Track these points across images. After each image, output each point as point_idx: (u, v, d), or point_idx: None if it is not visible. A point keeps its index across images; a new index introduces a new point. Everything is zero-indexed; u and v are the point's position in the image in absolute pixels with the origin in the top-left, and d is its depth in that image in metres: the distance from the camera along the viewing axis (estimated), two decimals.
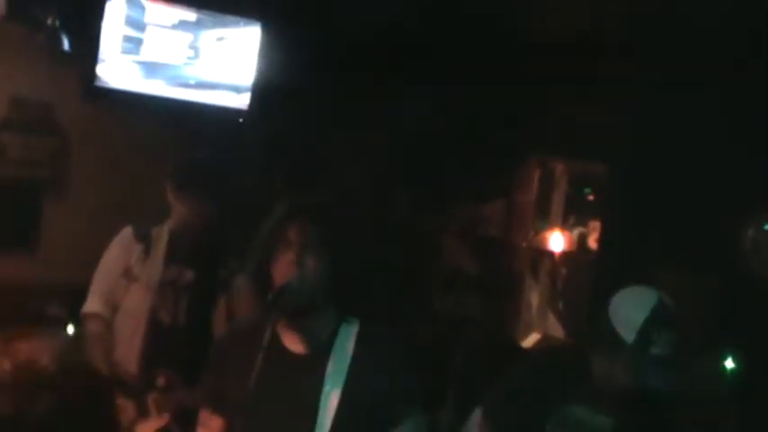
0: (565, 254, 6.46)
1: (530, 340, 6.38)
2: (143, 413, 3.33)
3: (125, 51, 4.62)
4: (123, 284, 3.47)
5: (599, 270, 5.38)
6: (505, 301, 6.36)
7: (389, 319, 2.42)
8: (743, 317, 4.05)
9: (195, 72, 4.87)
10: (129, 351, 3.44)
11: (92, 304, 3.49)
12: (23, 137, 4.93)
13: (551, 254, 6.49)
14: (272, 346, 2.26)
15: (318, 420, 2.25)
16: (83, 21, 4.52)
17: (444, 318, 5.75)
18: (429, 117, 5.43)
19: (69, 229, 4.86)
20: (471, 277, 6.01)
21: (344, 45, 4.99)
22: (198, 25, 4.82)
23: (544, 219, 6.55)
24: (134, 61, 4.66)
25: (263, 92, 5.03)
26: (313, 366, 2.30)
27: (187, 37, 4.80)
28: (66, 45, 4.48)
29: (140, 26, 4.64)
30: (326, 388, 2.27)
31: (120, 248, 3.51)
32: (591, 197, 6.53)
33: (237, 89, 4.99)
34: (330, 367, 2.29)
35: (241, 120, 5.02)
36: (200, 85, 4.89)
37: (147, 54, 4.69)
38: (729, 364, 3.99)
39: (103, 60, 4.55)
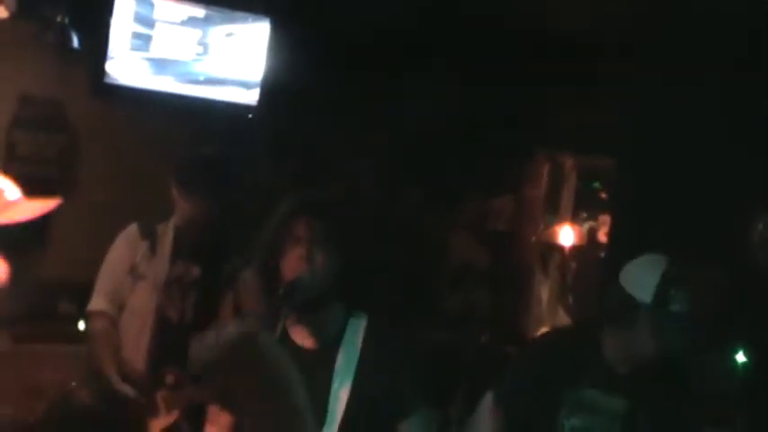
0: (574, 248, 6.44)
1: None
2: (152, 411, 3.34)
3: (134, 48, 4.63)
4: (129, 282, 3.46)
5: (609, 264, 5.37)
6: (515, 296, 6.36)
7: (398, 314, 2.43)
8: (753, 311, 4.04)
9: (204, 68, 4.88)
10: (136, 349, 3.44)
11: (97, 302, 3.49)
12: (33, 134, 4.95)
13: (561, 248, 6.47)
14: (281, 341, 2.27)
15: (328, 415, 2.26)
16: (92, 18, 4.53)
17: (454, 313, 5.76)
18: (437, 114, 5.43)
19: (78, 226, 4.88)
20: (481, 272, 6.01)
21: (353, 41, 4.99)
22: (207, 21, 4.83)
23: (553, 213, 6.53)
24: (143, 58, 4.67)
25: (272, 88, 5.03)
26: (322, 361, 2.30)
27: (196, 33, 4.81)
28: (75, 42, 4.50)
29: (149, 23, 4.65)
30: (336, 382, 2.28)
31: (125, 246, 3.51)
32: (603, 195, 6.51)
33: (246, 85, 5.00)
34: (339, 362, 2.30)
35: (250, 116, 5.03)
36: (209, 82, 4.90)
37: (155, 51, 4.70)
38: (740, 358, 3.98)
39: (112, 57, 4.57)
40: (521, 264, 6.47)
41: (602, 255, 6.02)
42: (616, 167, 5.44)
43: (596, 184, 6.69)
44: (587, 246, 6.44)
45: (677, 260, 2.56)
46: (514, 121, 5.57)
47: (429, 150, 5.72)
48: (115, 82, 4.60)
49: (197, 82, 4.87)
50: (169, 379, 3.35)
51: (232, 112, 5.00)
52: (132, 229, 3.53)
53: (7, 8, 4.25)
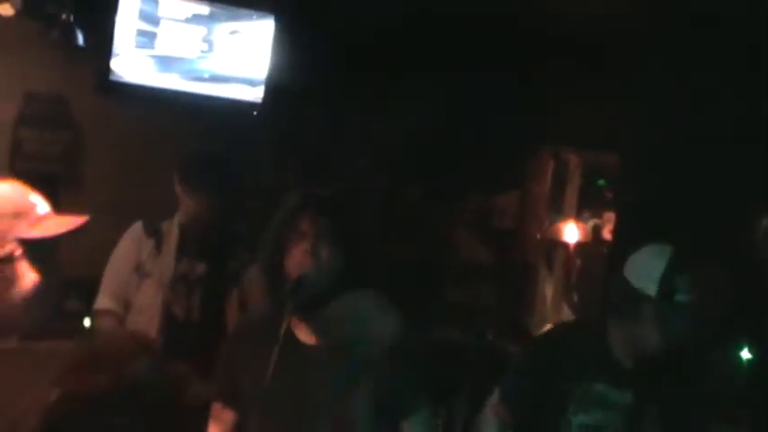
0: (579, 245, 6.43)
1: None
2: None
3: (139, 45, 4.63)
4: (135, 280, 3.47)
5: (613, 261, 5.36)
6: (519, 293, 6.35)
7: (402, 312, 2.43)
8: (757, 309, 4.04)
9: (209, 66, 4.88)
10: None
11: (103, 300, 3.50)
12: (38, 131, 4.96)
13: (565, 245, 6.47)
14: (285, 337, 2.27)
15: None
16: (97, 16, 4.53)
17: (458, 309, 5.76)
18: (441, 110, 5.43)
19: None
20: (485, 269, 6.01)
21: (357, 40, 4.99)
22: (211, 19, 4.83)
23: (558, 210, 6.53)
24: (148, 55, 4.68)
25: (276, 85, 5.03)
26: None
27: (201, 30, 4.81)
28: (80, 40, 4.50)
29: (154, 20, 4.65)
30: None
31: (130, 244, 3.52)
32: (609, 195, 6.49)
33: (251, 82, 4.99)
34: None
35: (255, 113, 5.03)
36: (214, 79, 4.89)
37: (160, 48, 4.70)
38: (745, 355, 3.97)
39: (117, 55, 4.57)
40: (525, 261, 6.47)
41: (607, 252, 6.01)
42: (621, 164, 5.44)
43: (601, 182, 6.68)
44: (592, 243, 6.44)
45: (682, 252, 2.53)
46: (519, 118, 5.56)
47: (433, 147, 5.72)
48: (120, 79, 4.60)
49: (202, 79, 4.87)
50: None
51: (237, 109, 5.00)
52: (137, 227, 3.54)
53: (13, 6, 4.26)
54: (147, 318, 3.46)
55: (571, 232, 6.41)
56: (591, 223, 6.65)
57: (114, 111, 4.99)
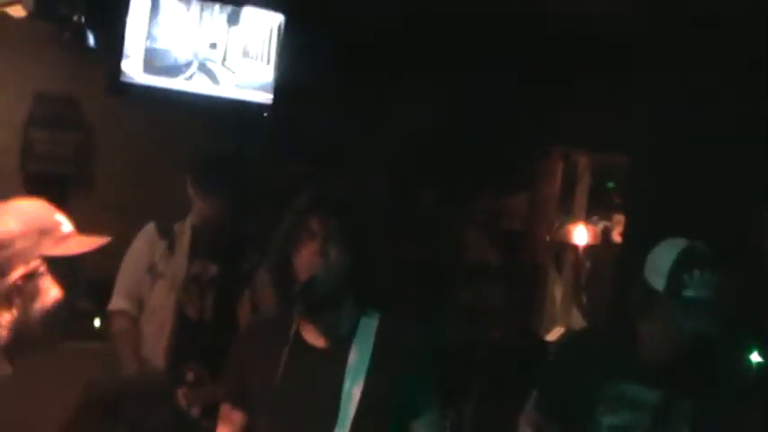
0: (589, 247, 6.43)
1: (553, 334, 6.36)
2: None
3: (149, 47, 4.64)
4: (148, 281, 3.49)
5: (623, 264, 5.35)
6: (528, 295, 6.34)
7: (410, 312, 2.43)
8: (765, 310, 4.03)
9: (220, 67, 4.89)
10: (156, 347, 3.47)
11: (117, 301, 3.53)
12: (49, 132, 4.98)
13: (575, 247, 6.46)
14: (294, 338, 2.27)
15: (340, 413, 2.27)
16: (108, 17, 4.55)
17: (466, 311, 5.75)
18: (452, 112, 5.43)
19: (95, 224, 4.89)
20: (494, 270, 6.00)
21: (368, 37, 4.99)
22: (222, 20, 4.84)
23: (567, 212, 6.52)
24: (159, 57, 4.69)
25: (286, 87, 5.04)
26: (334, 359, 2.31)
27: (211, 32, 4.82)
28: (91, 41, 4.51)
29: (165, 22, 4.66)
30: (348, 381, 2.29)
31: (143, 245, 3.54)
32: (618, 199, 6.49)
33: (262, 84, 5.00)
34: (351, 360, 2.31)
35: (265, 115, 5.04)
36: (225, 81, 4.90)
37: (171, 49, 4.71)
38: (755, 357, 3.96)
39: (128, 56, 4.58)
40: (534, 262, 6.46)
41: (616, 254, 6.00)
42: (630, 166, 5.43)
43: (611, 185, 6.68)
44: (601, 245, 6.43)
45: (695, 243, 2.48)
46: (529, 119, 5.56)
47: (443, 149, 5.72)
48: (131, 80, 4.62)
49: (212, 81, 4.88)
50: (189, 376, 3.37)
51: (247, 111, 5.01)
52: (150, 228, 3.56)
53: (25, 7, 4.28)
54: (159, 318, 3.48)
55: (580, 234, 6.41)
56: (600, 225, 6.65)
57: (125, 112, 5.01)
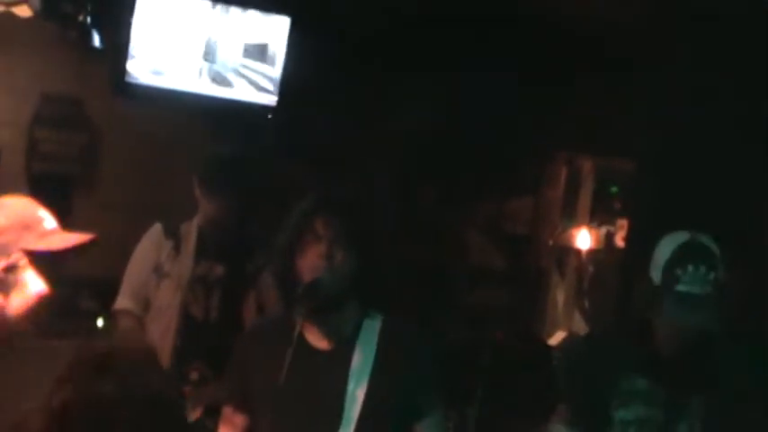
0: (591, 252, 6.43)
1: (555, 338, 6.36)
2: None
3: (155, 47, 4.65)
4: (154, 281, 3.50)
5: (626, 268, 5.35)
6: (531, 299, 6.35)
7: (414, 315, 2.43)
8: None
9: (225, 68, 4.90)
10: (162, 346, 3.46)
11: (123, 301, 3.54)
12: (54, 132, 4.99)
13: (578, 252, 6.46)
14: (297, 340, 2.27)
15: (344, 415, 2.27)
16: (113, 17, 4.56)
17: (470, 313, 5.76)
18: (455, 114, 5.43)
19: (99, 224, 4.90)
20: (497, 273, 6.01)
21: (373, 41, 5.00)
22: (227, 21, 4.85)
23: (570, 216, 6.52)
24: (164, 57, 4.69)
25: (291, 88, 5.04)
26: (337, 362, 2.31)
27: (217, 33, 4.83)
28: (96, 41, 4.53)
29: (170, 22, 4.67)
30: (351, 383, 2.29)
31: (150, 245, 3.55)
32: (619, 204, 6.48)
33: (266, 85, 5.01)
34: (355, 362, 2.31)
35: (270, 116, 5.05)
36: (230, 82, 4.91)
37: (177, 50, 4.72)
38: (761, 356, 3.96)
39: (133, 56, 4.59)
40: (537, 266, 6.46)
41: (619, 259, 6.00)
42: (634, 170, 5.43)
43: (614, 189, 6.67)
44: (604, 250, 6.43)
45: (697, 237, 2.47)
46: (532, 123, 5.56)
47: (446, 151, 5.72)
48: (136, 81, 4.62)
49: (217, 82, 4.89)
50: (193, 376, 3.38)
51: (251, 112, 5.02)
52: (156, 228, 3.57)
53: (31, 7, 4.29)
54: (165, 318, 3.49)
55: (583, 238, 6.41)
56: (603, 230, 6.64)
57: (130, 112, 5.01)
